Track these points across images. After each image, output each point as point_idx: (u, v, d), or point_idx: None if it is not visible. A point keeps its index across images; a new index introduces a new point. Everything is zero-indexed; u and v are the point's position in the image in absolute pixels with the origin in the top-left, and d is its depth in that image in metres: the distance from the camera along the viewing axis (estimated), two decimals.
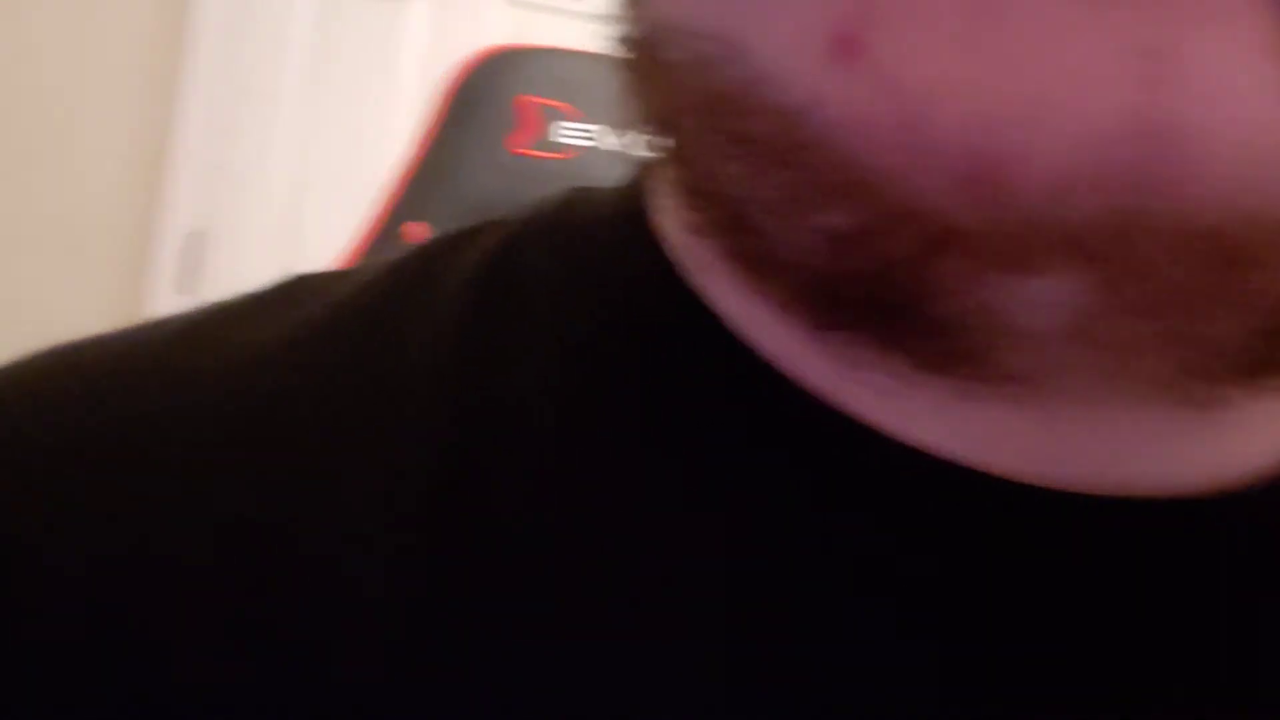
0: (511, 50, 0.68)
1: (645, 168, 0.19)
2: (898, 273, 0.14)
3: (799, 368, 0.17)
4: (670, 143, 0.16)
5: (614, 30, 0.17)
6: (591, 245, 0.19)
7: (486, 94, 0.65)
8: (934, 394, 0.16)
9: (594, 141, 0.69)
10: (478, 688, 0.15)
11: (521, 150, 0.66)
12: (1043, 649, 0.16)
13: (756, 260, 0.15)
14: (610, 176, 0.21)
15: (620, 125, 0.69)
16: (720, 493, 0.17)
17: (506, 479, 0.17)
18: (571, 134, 0.68)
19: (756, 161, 0.14)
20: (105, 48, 1.65)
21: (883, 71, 0.13)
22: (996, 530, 0.16)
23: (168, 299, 1.70)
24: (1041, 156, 0.12)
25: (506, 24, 1.91)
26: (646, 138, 0.17)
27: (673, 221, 0.18)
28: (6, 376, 0.19)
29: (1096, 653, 0.16)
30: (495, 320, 0.18)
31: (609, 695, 0.15)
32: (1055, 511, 0.16)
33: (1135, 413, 0.16)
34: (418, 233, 0.61)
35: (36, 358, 0.20)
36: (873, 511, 0.16)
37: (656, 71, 0.15)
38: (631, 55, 0.16)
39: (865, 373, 0.16)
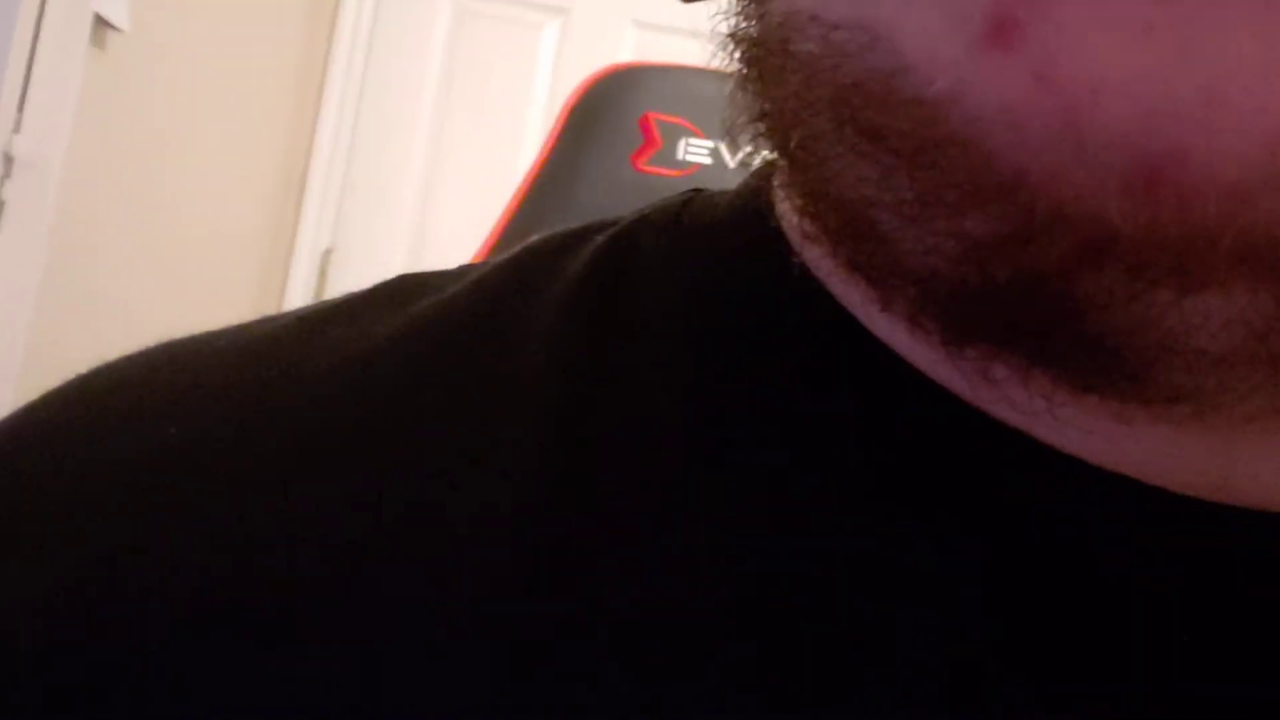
0: (635, 68, 0.67)
1: (762, 174, 0.19)
2: (1049, 284, 0.13)
3: (933, 369, 0.16)
4: (791, 145, 0.15)
5: (732, 28, 0.16)
6: (709, 239, 0.19)
7: (610, 110, 0.65)
8: (1081, 414, 0.15)
9: (716, 159, 0.68)
10: (587, 658, 0.15)
11: (645, 167, 0.66)
12: (1212, 676, 0.15)
13: (881, 271, 0.14)
14: None
15: (741, 142, 0.68)
16: (854, 490, 0.16)
17: (619, 463, 0.16)
18: (695, 151, 0.67)
19: (891, 160, 0.13)
20: (253, 76, 1.72)
21: (1040, 60, 0.12)
22: (1158, 543, 0.15)
23: None
24: (1219, 157, 0.11)
25: (633, 45, 1.92)
26: (763, 143, 0.16)
27: (793, 228, 0.18)
28: (123, 368, 0.19)
29: (1262, 668, 0.15)
30: (607, 307, 0.18)
31: (714, 678, 0.15)
32: (1233, 529, 0.15)
33: None
34: None
35: (149, 352, 0.20)
36: (1028, 522, 0.15)
37: (784, 67, 0.14)
38: (754, 53, 0.15)
39: (1005, 389, 0.15)
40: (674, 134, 0.66)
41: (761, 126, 0.15)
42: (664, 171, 0.66)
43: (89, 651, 0.16)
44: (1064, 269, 0.12)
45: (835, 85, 0.13)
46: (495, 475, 0.16)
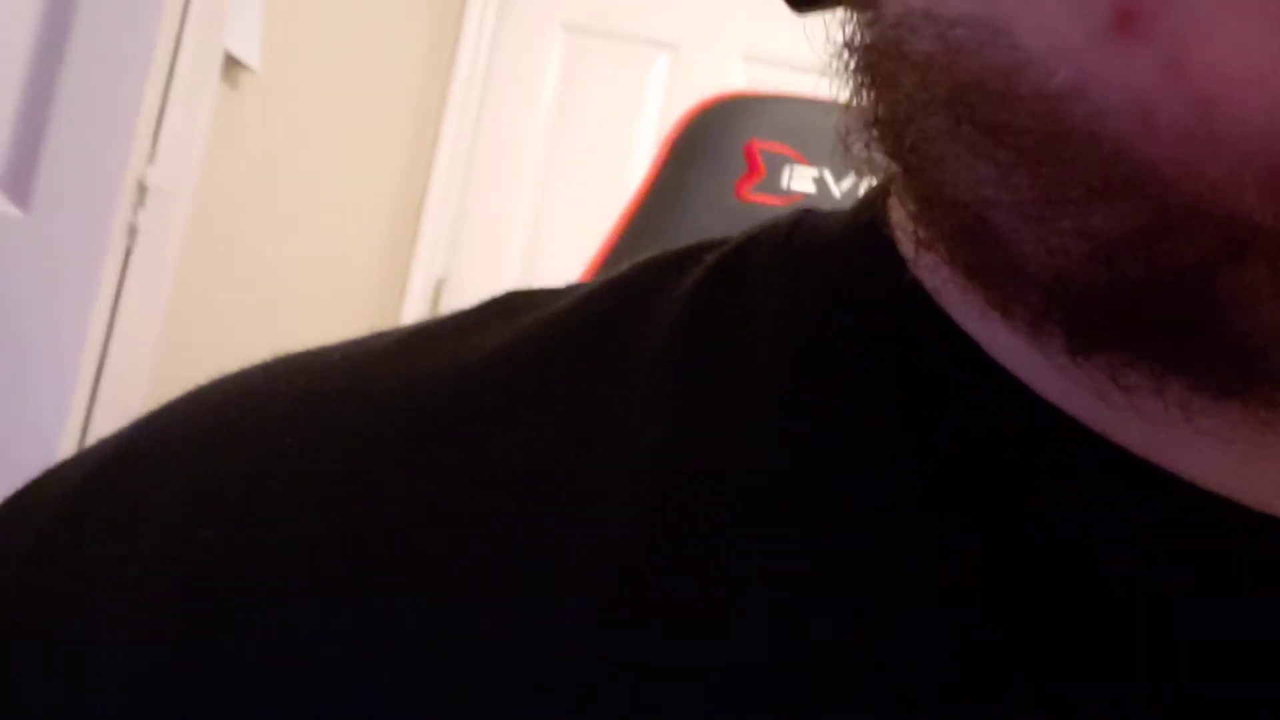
0: (740, 97, 0.67)
1: (875, 192, 0.19)
2: (1185, 283, 0.12)
3: (1053, 392, 0.15)
4: (905, 149, 0.14)
5: (845, 36, 0.16)
6: (822, 257, 0.19)
7: (715, 139, 0.65)
8: (1223, 424, 0.14)
9: (820, 187, 0.67)
10: (690, 631, 0.15)
11: (750, 195, 0.65)
12: None
13: (1001, 276, 0.14)
14: None
15: (846, 170, 0.67)
16: (967, 515, 0.15)
17: (725, 485, 0.16)
18: (799, 179, 0.67)
19: (1012, 158, 0.13)
20: (374, 111, 1.78)
21: (1170, 49, 0.11)
22: None
23: None
24: None
25: (741, 78, 1.92)
26: (877, 153, 0.16)
27: (908, 237, 0.17)
28: (241, 380, 0.20)
29: None
30: (719, 324, 0.18)
31: (815, 667, 0.15)
32: None
33: None
34: None
35: (267, 364, 0.20)
36: (1148, 552, 0.15)
37: (898, 69, 0.14)
38: (867, 59, 0.15)
39: (1135, 399, 0.14)
40: (778, 162, 0.66)
41: (875, 133, 0.15)
42: (769, 199, 0.65)
43: (185, 664, 0.16)
44: (1203, 266, 0.12)
45: (952, 83, 0.13)
46: (600, 496, 0.16)
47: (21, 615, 0.17)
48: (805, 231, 0.19)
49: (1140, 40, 0.11)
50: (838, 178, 0.68)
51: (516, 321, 0.20)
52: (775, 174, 0.66)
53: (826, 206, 0.20)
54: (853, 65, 0.16)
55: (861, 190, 0.19)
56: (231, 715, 0.16)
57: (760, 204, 0.66)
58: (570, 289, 0.21)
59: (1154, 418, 0.14)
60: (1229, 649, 0.14)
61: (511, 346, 0.19)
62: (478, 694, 0.15)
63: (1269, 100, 0.11)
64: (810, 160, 0.67)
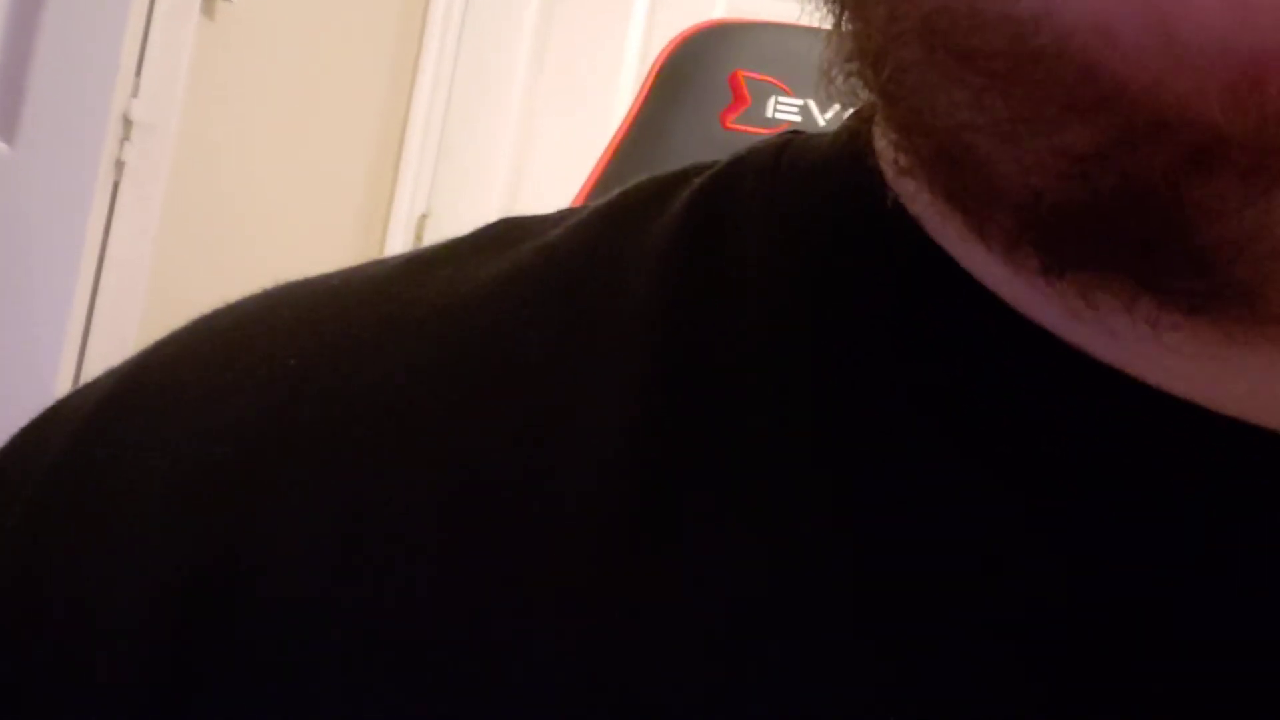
0: (725, 25, 0.68)
1: (859, 116, 0.19)
2: (1157, 194, 0.12)
3: (1030, 307, 0.16)
4: (883, 79, 0.15)
5: None
6: (807, 182, 0.19)
7: (700, 68, 0.66)
8: (1189, 338, 0.14)
9: (805, 116, 0.68)
10: (680, 594, 0.15)
11: (734, 124, 0.66)
12: None
13: (978, 198, 0.14)
14: None
15: (831, 100, 0.68)
16: (949, 424, 0.16)
17: (719, 408, 0.17)
18: (784, 109, 0.67)
19: (984, 81, 0.13)
20: (351, 44, 1.76)
21: None
22: (1261, 483, 0.15)
23: None
24: None
25: (724, 9, 1.91)
26: (857, 84, 0.16)
27: (890, 164, 0.18)
28: (243, 307, 0.20)
29: None
30: (707, 249, 0.18)
31: (824, 612, 0.15)
32: None
33: None
34: None
35: (268, 292, 0.21)
36: (1123, 459, 0.15)
37: (870, 0, 0.14)
38: None
39: (1107, 317, 0.14)
40: (764, 92, 0.67)
41: (854, 66, 0.16)
42: (753, 129, 0.66)
43: (189, 647, 0.16)
44: (1172, 177, 0.12)
45: (921, 12, 0.13)
46: (598, 423, 0.17)
47: (29, 563, 0.17)
48: (791, 157, 0.19)
49: None
50: (822, 108, 0.69)
51: (513, 250, 0.20)
52: (760, 104, 0.67)
53: (810, 132, 0.21)
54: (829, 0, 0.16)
55: (847, 117, 0.19)
56: (233, 690, 0.16)
57: (745, 133, 0.67)
58: (564, 215, 0.21)
59: (1124, 333, 0.15)
60: (1197, 547, 0.15)
61: (510, 275, 0.19)
62: (479, 673, 0.15)
63: (1225, 12, 0.11)
64: (795, 90, 0.68)
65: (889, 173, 0.18)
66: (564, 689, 0.15)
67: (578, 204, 0.77)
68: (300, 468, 0.17)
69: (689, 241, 0.18)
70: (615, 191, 0.21)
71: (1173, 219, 0.12)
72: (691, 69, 0.66)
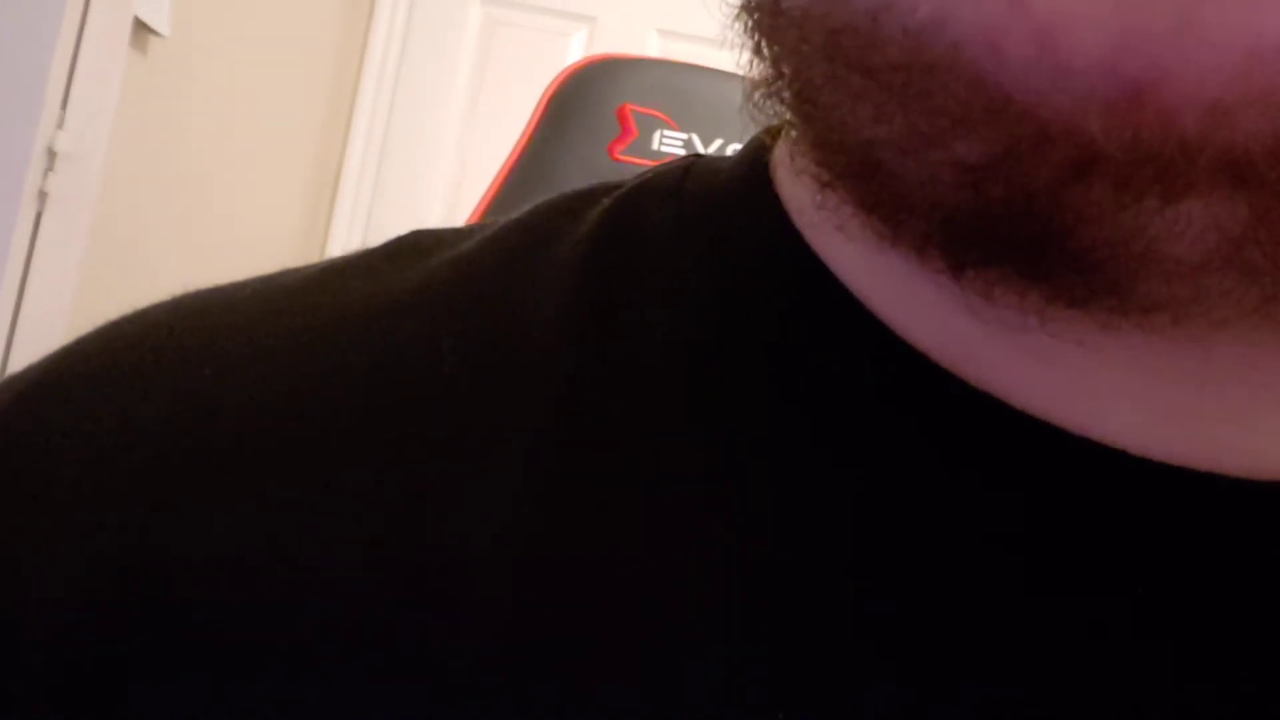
0: (613, 59, 0.71)
1: (765, 135, 0.19)
2: (1039, 201, 0.13)
3: (921, 331, 0.17)
4: (796, 98, 0.15)
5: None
6: (711, 203, 0.19)
7: (588, 101, 0.69)
8: (1068, 350, 0.15)
9: (689, 150, 0.71)
10: (587, 627, 0.16)
11: (621, 156, 0.69)
12: (1171, 631, 0.15)
13: (889, 206, 0.15)
14: None
15: (713, 135, 0.72)
16: (837, 447, 0.16)
17: (622, 421, 0.17)
18: (669, 142, 0.71)
19: (885, 95, 0.13)
20: (288, 84, 1.78)
21: None
22: (1119, 506, 0.16)
23: None
24: (1199, 76, 0.12)
25: (657, 52, 1.96)
26: (776, 106, 0.17)
27: (793, 186, 0.18)
28: (153, 315, 0.20)
29: (1215, 634, 0.15)
30: (614, 270, 0.19)
31: (723, 642, 0.15)
32: (1195, 492, 0.16)
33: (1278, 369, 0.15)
34: None
35: (178, 300, 0.21)
36: (989, 478, 0.16)
37: (780, 24, 0.15)
38: (754, 19, 0.16)
39: (1000, 313, 0.15)
40: (650, 125, 0.69)
41: (773, 89, 0.16)
42: (640, 161, 0.69)
43: (114, 624, 0.16)
44: (1053, 186, 0.13)
45: (826, 31, 0.14)
46: (506, 440, 0.17)
47: None
48: (694, 181, 0.20)
49: None
50: (705, 142, 0.72)
51: (425, 261, 0.20)
52: (646, 136, 0.70)
53: (713, 155, 0.21)
54: (748, 26, 0.16)
55: (729, 154, 0.20)
56: (152, 682, 0.16)
57: (632, 165, 0.70)
58: (476, 229, 0.21)
59: (1017, 327, 0.15)
60: (1052, 556, 0.16)
61: (422, 286, 0.19)
62: (398, 672, 0.15)
63: (1104, 34, 0.12)
64: (680, 124, 0.71)
65: (793, 195, 0.18)
66: (478, 697, 0.15)
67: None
68: (220, 464, 0.17)
69: (596, 263, 0.19)
70: (528, 207, 0.21)
71: (1054, 224, 0.13)
72: (580, 101, 0.69)
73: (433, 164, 1.99)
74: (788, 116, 0.17)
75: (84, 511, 0.17)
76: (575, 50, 2.00)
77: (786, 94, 0.16)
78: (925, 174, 0.14)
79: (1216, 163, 0.12)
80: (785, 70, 0.15)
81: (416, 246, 0.21)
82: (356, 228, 1.98)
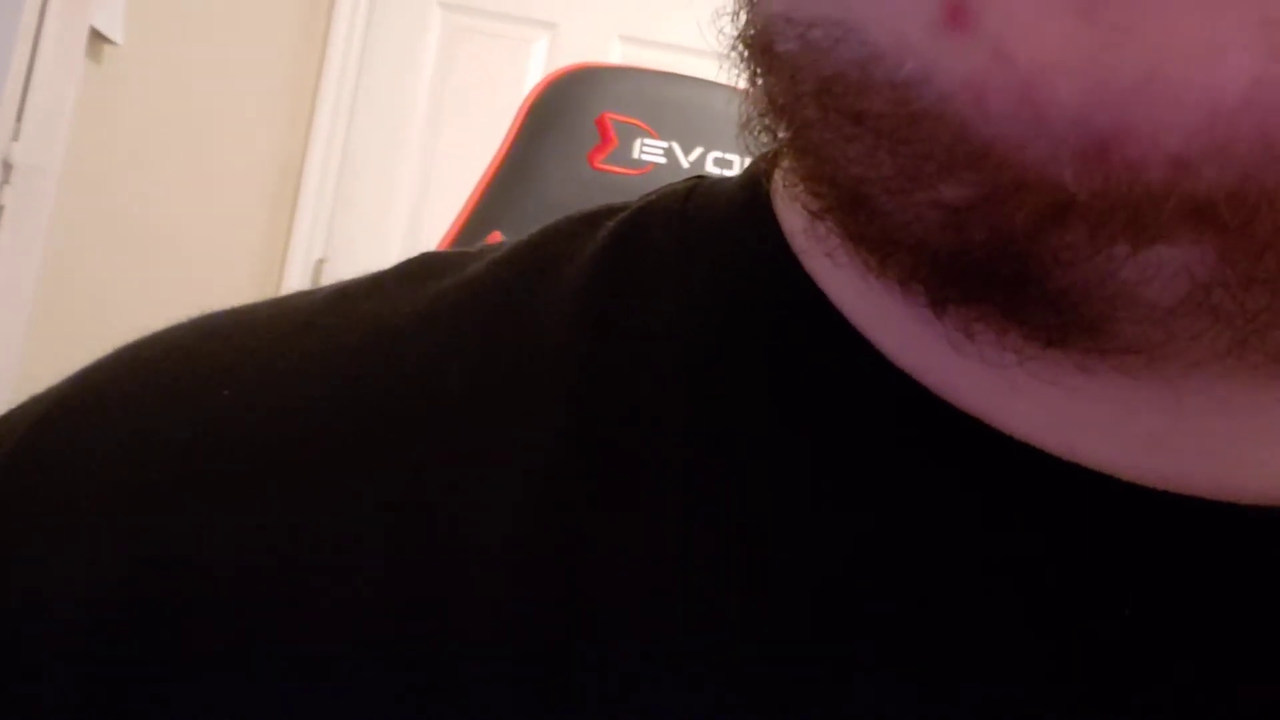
0: (592, 68, 0.70)
1: (763, 160, 0.20)
2: (1016, 244, 0.14)
3: (909, 356, 0.17)
4: (789, 133, 0.16)
5: (736, 31, 0.17)
6: (713, 227, 0.20)
7: (568, 110, 0.68)
8: (1047, 386, 0.16)
9: (669, 158, 0.71)
10: (592, 639, 0.16)
11: (601, 165, 0.69)
12: (1159, 654, 0.16)
13: (876, 240, 0.15)
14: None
15: (693, 143, 0.71)
16: (833, 469, 0.17)
17: (625, 437, 0.18)
18: (650, 150, 0.70)
19: (874, 139, 0.14)
20: (246, 91, 1.76)
21: (993, 42, 0.13)
22: (1103, 528, 0.16)
23: None
24: (1163, 130, 0.12)
25: (619, 59, 1.96)
26: (770, 133, 0.17)
27: (788, 210, 0.19)
28: (172, 337, 0.21)
29: (1216, 659, 0.16)
30: (619, 292, 0.19)
31: (725, 654, 0.16)
32: (1177, 516, 0.16)
33: (1253, 405, 0.16)
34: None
35: (196, 322, 0.21)
36: (982, 506, 0.16)
37: (774, 64, 0.16)
38: (748, 52, 0.17)
39: (980, 349, 0.16)
40: (630, 134, 0.69)
41: (766, 120, 0.17)
42: (620, 170, 0.69)
43: (135, 643, 0.17)
44: (1030, 230, 0.13)
45: (818, 78, 0.14)
46: (512, 463, 0.17)
47: None
48: (697, 204, 0.20)
49: (970, 33, 0.13)
50: (686, 150, 0.72)
51: (434, 284, 0.20)
52: (627, 145, 0.70)
53: (715, 176, 0.22)
54: (743, 56, 0.17)
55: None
56: (174, 694, 0.16)
57: (612, 174, 0.70)
58: (483, 251, 0.21)
59: (996, 363, 0.16)
60: (1034, 579, 0.16)
61: (431, 309, 0.20)
62: (417, 675, 0.16)
63: (1078, 89, 0.12)
64: (660, 133, 0.70)
65: (789, 219, 0.19)
66: (490, 698, 0.16)
67: (449, 238, 0.79)
68: (238, 483, 0.18)
69: (602, 285, 0.19)
70: (535, 230, 0.22)
71: (1031, 265, 0.14)
72: (560, 110, 0.68)
73: (396, 171, 1.98)
74: (781, 146, 0.17)
75: (104, 533, 0.18)
76: (537, 56, 1.99)
77: (780, 127, 0.16)
78: (911, 213, 0.14)
79: (1182, 210, 0.13)
80: (779, 104, 0.16)
81: (426, 269, 0.21)
82: (318, 235, 1.96)
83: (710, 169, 0.70)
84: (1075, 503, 0.16)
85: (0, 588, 0.17)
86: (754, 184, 0.20)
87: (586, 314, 0.19)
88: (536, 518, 0.17)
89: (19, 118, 1.14)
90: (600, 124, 0.68)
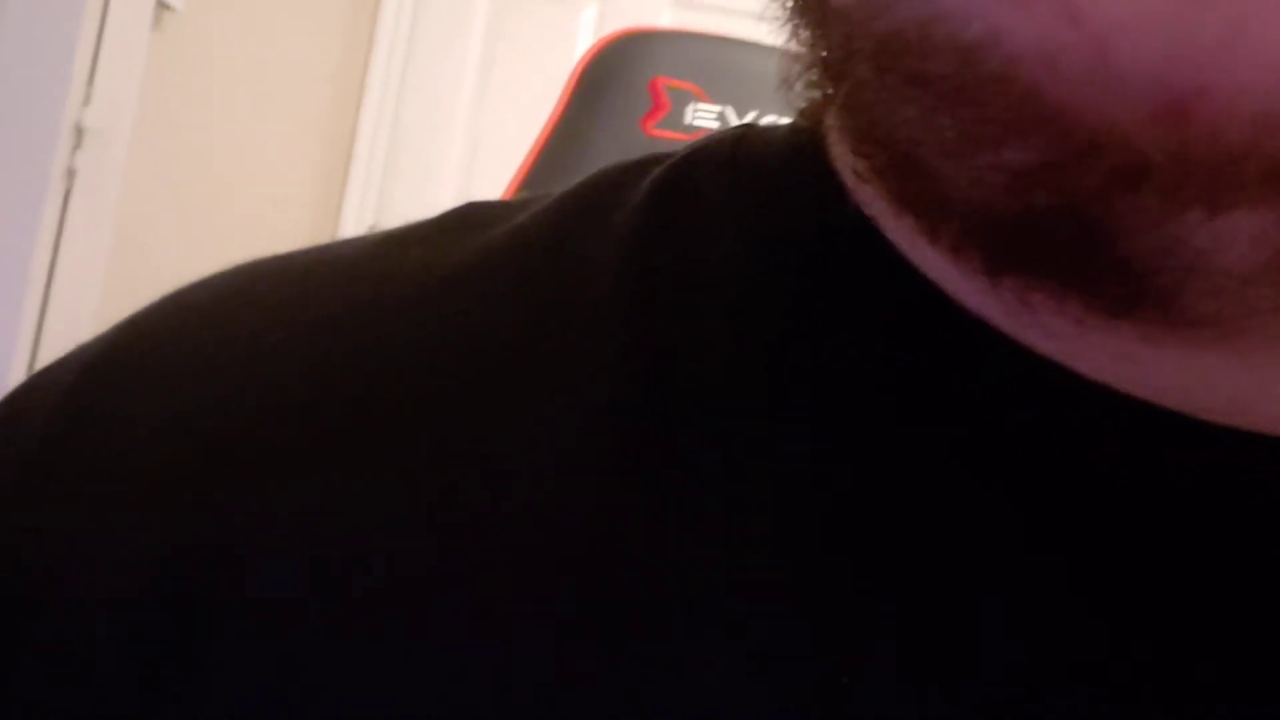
0: (645, 33, 0.71)
1: (811, 114, 0.20)
2: (1084, 210, 0.13)
3: (975, 303, 0.17)
4: (840, 93, 0.15)
5: None
6: (764, 170, 0.19)
7: (620, 75, 0.69)
8: (1115, 337, 0.15)
9: (722, 123, 0.72)
10: (648, 582, 0.16)
11: (654, 130, 0.70)
12: (1232, 598, 0.15)
13: (927, 206, 0.15)
14: None
15: (747, 107, 0.73)
16: (900, 416, 0.17)
17: (680, 389, 0.17)
18: (702, 115, 0.71)
19: (934, 101, 0.14)
20: (298, 57, 1.79)
21: (1064, 1, 0.12)
22: (1192, 473, 0.16)
23: None
24: (1245, 90, 0.12)
25: (670, 24, 1.95)
26: (816, 91, 0.17)
27: (844, 152, 0.18)
28: (219, 283, 0.21)
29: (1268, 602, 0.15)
30: (668, 238, 0.19)
31: (775, 610, 0.15)
32: (1259, 456, 0.16)
33: None
34: None
35: (242, 268, 0.21)
36: (1058, 451, 0.16)
37: (826, 20, 0.15)
38: (801, 7, 0.16)
39: (1039, 316, 0.15)
40: (682, 99, 0.70)
41: (813, 78, 0.17)
42: (673, 135, 0.70)
43: (185, 610, 0.16)
44: (1100, 194, 0.13)
45: (875, 36, 0.14)
46: (564, 411, 0.17)
47: (16, 543, 0.18)
48: (747, 150, 0.20)
49: None
50: (740, 115, 0.72)
51: (482, 234, 0.20)
52: (679, 110, 0.70)
53: (764, 125, 0.21)
54: (790, 12, 0.16)
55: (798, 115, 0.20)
56: (220, 679, 0.16)
57: (666, 139, 0.71)
58: (529, 201, 0.21)
59: (1055, 332, 0.16)
60: (1121, 524, 0.16)
61: (480, 259, 0.19)
62: (467, 662, 0.16)
63: (1155, 48, 0.12)
64: (713, 97, 0.71)
65: (845, 174, 0.18)
66: (546, 674, 0.16)
67: None
68: (286, 441, 0.18)
69: (649, 234, 0.19)
70: (580, 180, 0.21)
71: (1099, 232, 0.13)
72: (611, 76, 0.69)
73: (446, 140, 1.99)
74: (828, 103, 0.17)
75: (153, 499, 0.17)
76: (586, 24, 1.99)
77: (829, 86, 0.16)
78: (970, 177, 0.14)
79: (1262, 174, 0.12)
80: (830, 62, 0.16)
81: (472, 219, 0.21)
82: (369, 203, 1.99)
83: None
84: (1163, 444, 0.16)
85: (50, 562, 0.17)
86: (805, 129, 0.20)
87: (634, 260, 0.19)
88: (586, 471, 0.17)
89: (90, 83, 1.18)
90: (652, 89, 0.69)
